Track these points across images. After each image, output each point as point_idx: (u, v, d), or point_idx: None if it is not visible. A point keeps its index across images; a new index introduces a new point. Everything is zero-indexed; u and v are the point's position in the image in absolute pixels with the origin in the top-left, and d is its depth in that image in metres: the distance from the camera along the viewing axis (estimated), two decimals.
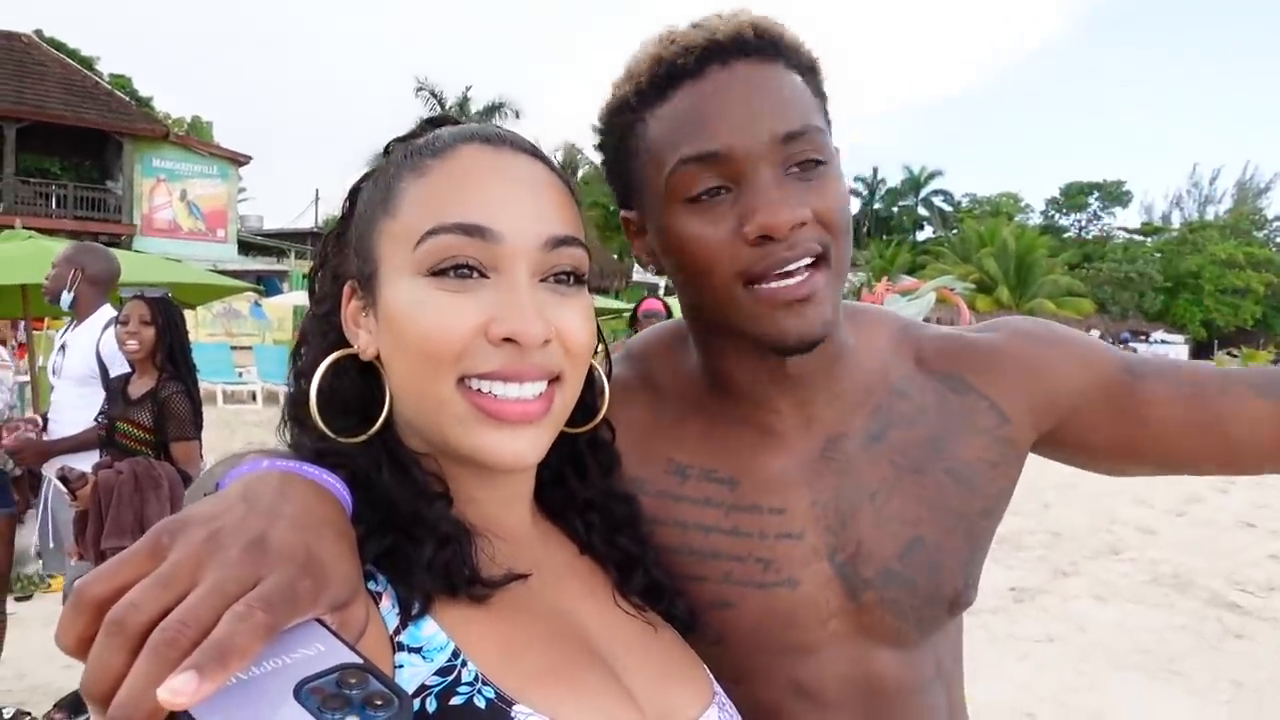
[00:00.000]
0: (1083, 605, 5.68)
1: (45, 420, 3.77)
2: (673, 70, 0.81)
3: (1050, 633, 5.19)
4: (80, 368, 3.59)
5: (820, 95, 0.85)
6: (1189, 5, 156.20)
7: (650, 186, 0.84)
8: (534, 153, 0.74)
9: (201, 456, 3.41)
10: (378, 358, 0.72)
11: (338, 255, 0.77)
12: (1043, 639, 5.10)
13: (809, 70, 0.84)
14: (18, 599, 5.15)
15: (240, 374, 16.14)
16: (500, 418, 0.67)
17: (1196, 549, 7.28)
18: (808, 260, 0.79)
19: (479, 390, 0.67)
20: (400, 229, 0.69)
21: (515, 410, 0.67)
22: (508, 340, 0.66)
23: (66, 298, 3.74)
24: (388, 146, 0.77)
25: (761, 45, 0.81)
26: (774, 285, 0.79)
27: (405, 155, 0.73)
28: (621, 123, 0.86)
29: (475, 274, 0.67)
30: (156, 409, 3.33)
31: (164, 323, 3.39)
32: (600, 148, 0.91)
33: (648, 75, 0.83)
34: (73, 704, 3.75)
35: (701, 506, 0.91)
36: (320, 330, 0.75)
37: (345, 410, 0.72)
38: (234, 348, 17.58)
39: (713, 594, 0.89)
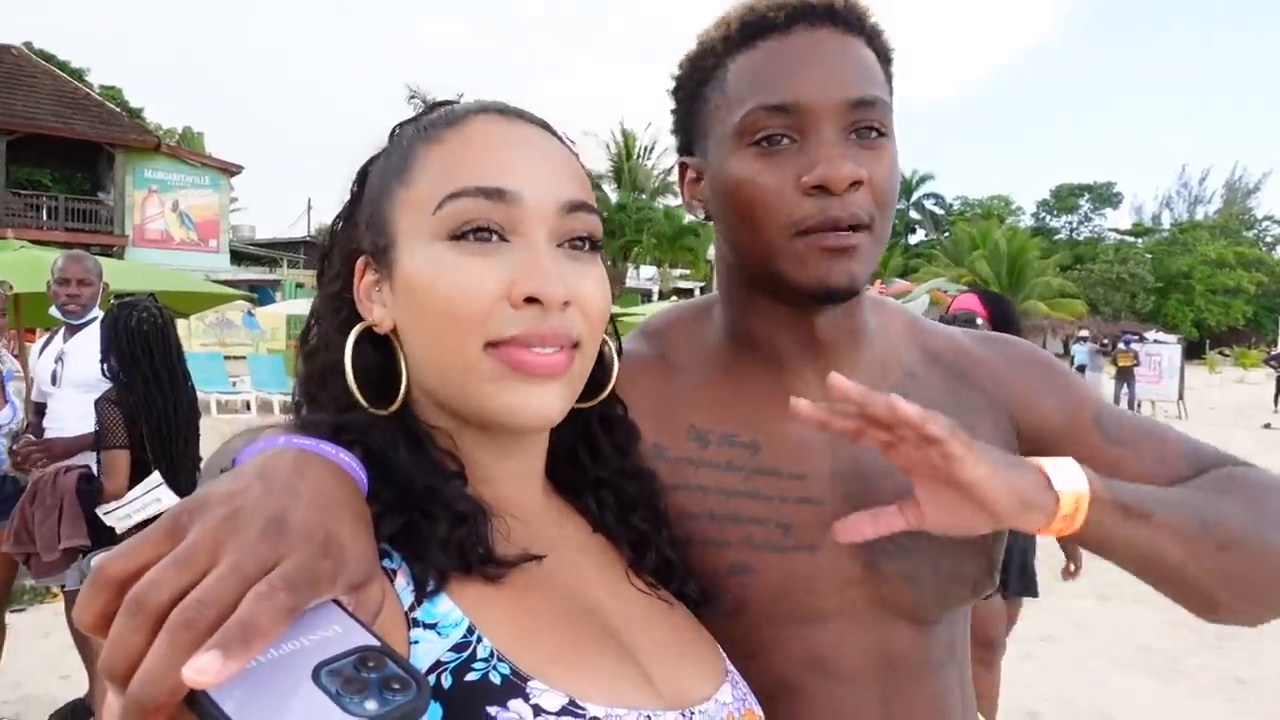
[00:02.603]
0: (1085, 605, 5.68)
1: (40, 435, 3.76)
2: (764, 22, 0.86)
3: (1053, 632, 5.18)
4: (89, 374, 3.55)
5: (888, 80, 0.89)
6: (1177, 7, 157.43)
7: (718, 129, 0.88)
8: (545, 126, 0.76)
9: (156, 468, 3.37)
10: (394, 331, 0.72)
11: (346, 234, 0.77)
12: (1045, 638, 5.09)
13: (884, 54, 0.89)
14: (13, 610, 5.12)
15: (234, 384, 16.10)
16: (525, 368, 0.67)
17: None
18: (854, 225, 0.83)
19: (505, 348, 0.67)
20: (417, 196, 0.70)
21: (541, 362, 0.67)
22: (530, 301, 0.66)
23: (96, 312, 3.77)
24: (394, 129, 0.78)
25: (848, 17, 0.86)
26: (823, 235, 0.83)
27: (419, 129, 0.74)
28: (704, 66, 0.90)
29: (496, 237, 0.68)
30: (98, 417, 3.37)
31: (107, 331, 3.37)
32: (675, 93, 0.95)
33: (739, 22, 0.87)
34: (68, 715, 3.72)
35: (723, 471, 0.91)
36: (333, 308, 0.76)
37: (367, 382, 0.72)
38: (227, 357, 17.55)
39: (732, 559, 0.89)
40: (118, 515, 3.25)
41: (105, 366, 3.37)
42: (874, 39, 0.87)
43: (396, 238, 0.71)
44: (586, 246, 0.72)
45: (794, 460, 0.92)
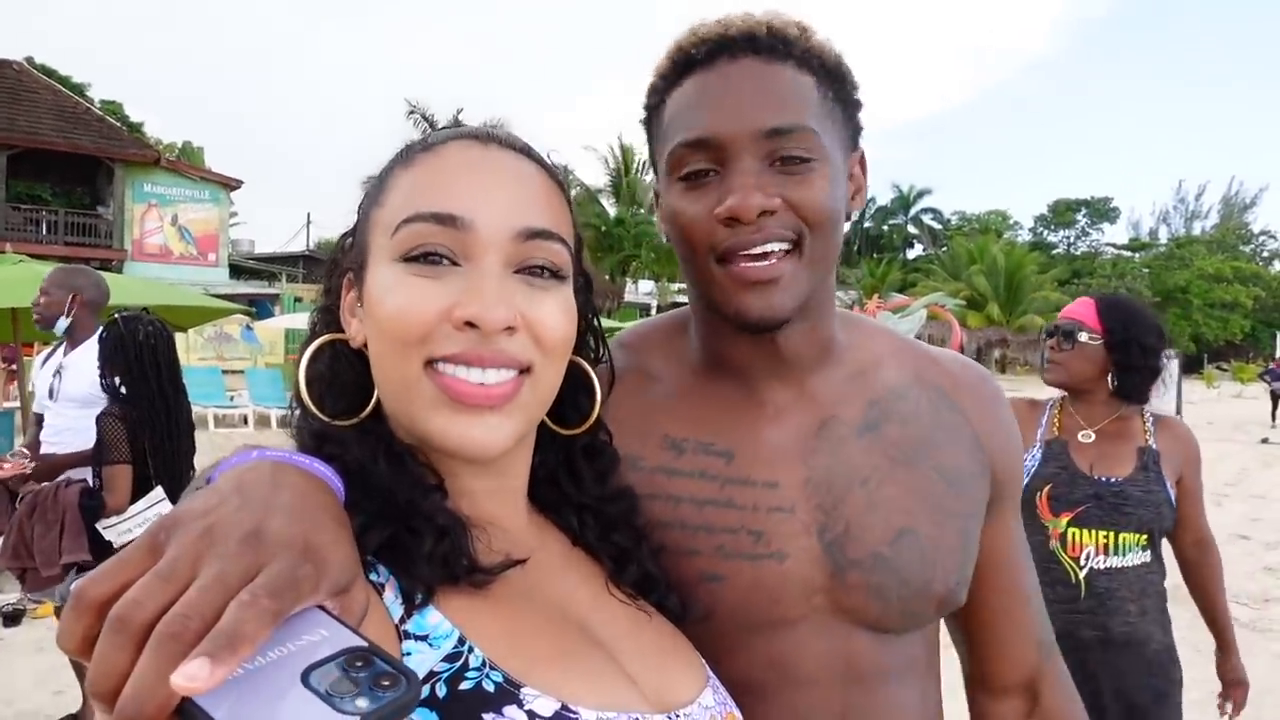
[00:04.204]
0: None
1: (37, 448, 3.75)
2: (688, 59, 0.88)
3: None
4: (84, 389, 3.52)
5: (838, 100, 0.89)
6: (1174, 22, 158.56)
7: (661, 163, 0.91)
8: (524, 150, 0.76)
9: (157, 483, 3.34)
10: (366, 345, 0.73)
11: (346, 251, 0.79)
12: None
13: (826, 74, 0.88)
14: (6, 626, 5.10)
15: (231, 398, 16.08)
16: (461, 400, 0.67)
17: None
18: (777, 246, 0.84)
19: (444, 373, 0.68)
20: (384, 217, 0.72)
21: (477, 393, 0.67)
22: (470, 325, 0.66)
23: (63, 323, 3.70)
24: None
25: (772, 44, 0.86)
26: (742, 265, 0.84)
27: (401, 152, 0.76)
28: (651, 105, 0.94)
29: (446, 261, 0.69)
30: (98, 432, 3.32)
31: (111, 345, 3.34)
32: (643, 124, 0.98)
33: (669, 62, 0.90)
34: None
35: (696, 479, 0.93)
36: (324, 322, 0.78)
37: (345, 394, 0.73)
38: (225, 371, 17.54)
39: (703, 567, 0.90)
40: (118, 530, 3.24)
41: (105, 382, 3.34)
42: (808, 60, 0.87)
43: (368, 257, 0.73)
44: (545, 274, 0.72)
45: (767, 469, 0.93)
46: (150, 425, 3.34)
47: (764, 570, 0.90)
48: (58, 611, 3.68)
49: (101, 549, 3.27)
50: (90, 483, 3.42)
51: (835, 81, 0.89)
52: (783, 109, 0.84)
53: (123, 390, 3.34)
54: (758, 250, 0.84)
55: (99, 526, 3.27)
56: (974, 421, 1.01)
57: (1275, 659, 5.11)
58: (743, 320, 0.86)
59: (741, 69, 0.85)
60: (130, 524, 3.24)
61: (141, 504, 3.27)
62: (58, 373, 3.75)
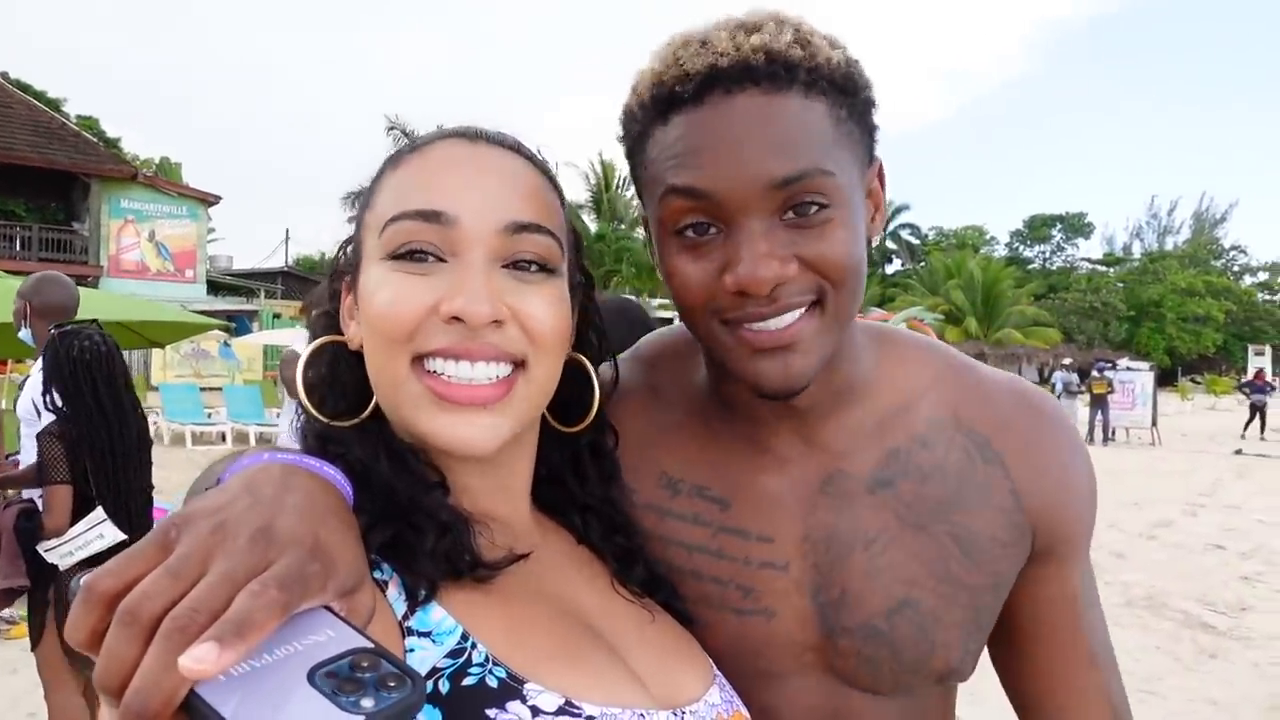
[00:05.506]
0: None
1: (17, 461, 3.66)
2: (672, 96, 0.75)
3: None
4: (25, 405, 3.33)
5: (852, 117, 0.77)
6: (1147, 41, 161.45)
7: (649, 206, 0.81)
8: (512, 146, 0.76)
9: (99, 503, 3.17)
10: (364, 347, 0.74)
11: (344, 257, 0.80)
12: None
13: (837, 90, 0.75)
14: None
15: (209, 415, 15.91)
16: (450, 400, 0.68)
17: (1168, 571, 7.36)
18: (795, 313, 0.75)
19: (432, 371, 0.69)
20: (373, 219, 0.73)
21: (465, 394, 0.68)
22: (457, 319, 0.67)
23: (25, 334, 3.56)
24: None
25: (772, 72, 0.72)
26: (754, 327, 0.75)
27: (391, 156, 0.77)
28: (632, 131, 0.81)
29: (432, 258, 0.69)
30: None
31: (50, 362, 3.16)
32: (622, 141, 0.85)
33: (650, 94, 0.77)
34: None
35: (689, 524, 0.89)
36: (324, 326, 0.79)
37: (346, 396, 0.74)
38: (203, 389, 17.37)
39: (688, 611, 0.87)
40: (59, 552, 3.10)
41: (47, 399, 3.15)
42: (815, 81, 0.74)
43: (361, 259, 0.74)
44: (534, 268, 0.71)
45: (763, 521, 0.88)
46: (90, 443, 3.15)
47: (749, 625, 0.87)
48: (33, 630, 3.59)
49: (43, 572, 3.16)
50: (38, 503, 3.25)
51: (848, 94, 0.76)
52: (792, 153, 0.71)
53: (64, 409, 3.15)
54: (772, 324, 0.75)
55: (40, 549, 3.14)
56: (1017, 475, 0.87)
57: (1253, 667, 5.17)
58: (758, 389, 0.77)
59: (738, 107, 0.72)
60: (71, 545, 3.10)
61: (81, 525, 3.12)
62: (21, 386, 3.65)
